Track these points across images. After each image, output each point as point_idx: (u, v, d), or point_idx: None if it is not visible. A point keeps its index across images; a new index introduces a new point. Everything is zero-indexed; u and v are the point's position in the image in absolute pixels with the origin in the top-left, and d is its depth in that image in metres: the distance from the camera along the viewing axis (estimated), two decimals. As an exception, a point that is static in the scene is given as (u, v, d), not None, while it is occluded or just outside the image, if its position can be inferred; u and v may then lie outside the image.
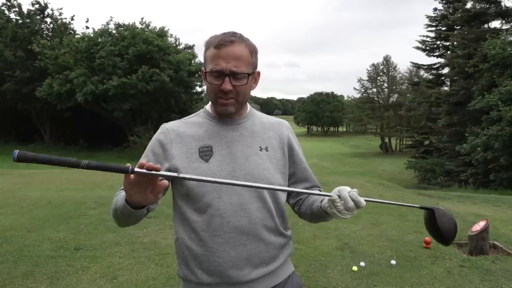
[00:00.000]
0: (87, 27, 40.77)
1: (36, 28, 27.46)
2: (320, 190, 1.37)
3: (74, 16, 36.02)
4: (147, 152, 1.28)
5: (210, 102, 1.30)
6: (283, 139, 1.30)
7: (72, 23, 30.40)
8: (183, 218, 1.22)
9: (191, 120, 1.29)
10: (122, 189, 1.11)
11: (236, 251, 1.17)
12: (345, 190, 1.08)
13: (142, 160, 1.13)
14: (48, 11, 28.99)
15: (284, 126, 1.35)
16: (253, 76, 1.22)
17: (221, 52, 1.13)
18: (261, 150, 1.24)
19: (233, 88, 1.14)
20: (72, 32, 29.60)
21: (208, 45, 1.19)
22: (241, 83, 1.15)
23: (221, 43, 1.14)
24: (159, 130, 1.28)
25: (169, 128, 1.25)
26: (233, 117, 1.25)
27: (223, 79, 1.13)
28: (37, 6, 28.31)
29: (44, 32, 29.23)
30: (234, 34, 1.18)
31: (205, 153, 1.19)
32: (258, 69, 1.25)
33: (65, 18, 30.25)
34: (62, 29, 29.12)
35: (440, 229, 1.11)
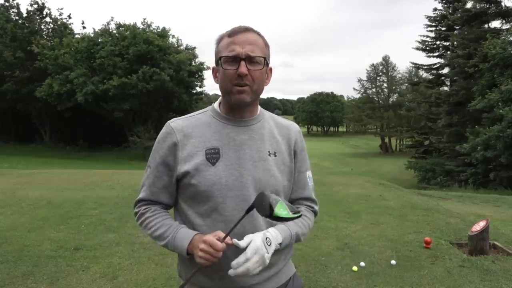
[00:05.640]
0: (84, 27, 40.74)
1: (36, 28, 27.44)
2: (312, 206, 1.33)
3: (70, 14, 35.49)
4: (157, 164, 1.22)
5: (218, 101, 1.27)
6: (290, 145, 1.27)
7: (71, 23, 30.35)
8: (186, 221, 1.20)
9: (198, 118, 1.23)
10: (176, 227, 1.18)
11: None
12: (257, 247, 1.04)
13: (151, 178, 1.23)
14: (46, 11, 28.95)
15: (293, 130, 1.30)
16: (267, 67, 1.19)
17: (236, 38, 1.12)
18: (269, 155, 1.20)
19: (248, 73, 1.11)
20: (71, 32, 29.56)
21: (220, 37, 1.17)
22: (257, 67, 1.12)
23: (235, 31, 1.14)
24: (165, 130, 1.22)
25: (175, 128, 1.20)
26: (244, 117, 1.21)
27: (239, 63, 1.10)
28: (35, 6, 28.29)
29: (44, 32, 29.21)
30: (247, 26, 1.17)
31: (212, 156, 1.15)
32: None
33: (65, 18, 30.23)
34: (62, 29, 29.10)
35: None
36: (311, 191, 1.34)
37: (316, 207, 1.35)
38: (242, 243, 1.04)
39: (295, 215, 1.02)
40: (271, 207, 0.98)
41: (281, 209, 1.00)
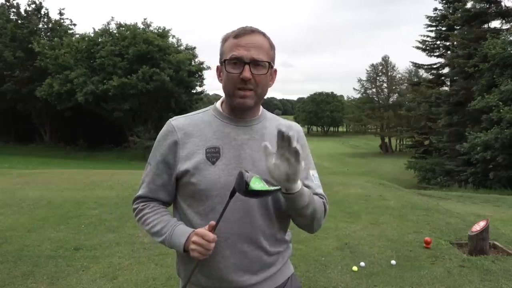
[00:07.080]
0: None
1: (35, 28, 27.47)
2: (323, 200, 1.26)
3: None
4: (157, 162, 1.22)
5: (220, 100, 1.27)
6: None
7: (72, 23, 30.36)
8: (184, 219, 1.20)
9: (199, 117, 1.23)
10: (174, 223, 1.17)
11: (237, 257, 1.15)
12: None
13: (150, 175, 1.23)
14: (44, 10, 28.97)
15: (294, 130, 1.27)
16: (272, 70, 1.18)
17: (241, 40, 1.11)
18: None
19: (252, 77, 1.10)
20: (66, 32, 29.54)
21: (225, 37, 1.16)
22: (261, 72, 1.12)
23: (241, 33, 1.12)
24: (166, 128, 1.22)
25: (176, 126, 1.20)
26: (245, 117, 1.21)
27: (243, 67, 1.10)
28: (33, 6, 28.32)
29: (42, 32, 29.24)
30: (252, 27, 1.16)
31: (212, 155, 1.15)
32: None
33: (65, 19, 30.27)
34: (58, 27, 29.10)
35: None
36: (318, 187, 1.29)
37: (325, 200, 1.28)
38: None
39: (273, 188, 1.01)
40: (246, 183, 0.98)
41: (256, 183, 0.98)
